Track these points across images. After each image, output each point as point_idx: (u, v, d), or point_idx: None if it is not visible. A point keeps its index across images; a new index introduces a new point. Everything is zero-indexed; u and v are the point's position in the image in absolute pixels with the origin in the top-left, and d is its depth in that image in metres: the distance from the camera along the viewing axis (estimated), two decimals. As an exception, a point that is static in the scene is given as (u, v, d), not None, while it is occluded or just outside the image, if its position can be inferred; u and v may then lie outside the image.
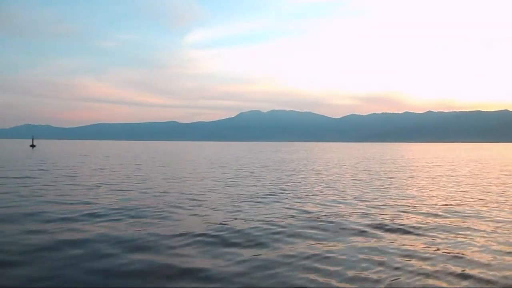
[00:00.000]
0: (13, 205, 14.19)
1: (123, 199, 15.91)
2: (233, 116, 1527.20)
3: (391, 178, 25.96)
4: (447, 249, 8.82)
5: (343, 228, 10.90)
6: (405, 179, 25.15)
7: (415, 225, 11.36)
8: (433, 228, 11.00)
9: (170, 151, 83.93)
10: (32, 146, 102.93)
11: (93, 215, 12.43)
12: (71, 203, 14.51)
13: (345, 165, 40.21)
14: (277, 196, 16.95)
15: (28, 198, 15.79)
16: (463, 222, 11.83)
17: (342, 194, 17.69)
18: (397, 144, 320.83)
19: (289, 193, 17.87)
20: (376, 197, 16.91)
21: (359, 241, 9.63)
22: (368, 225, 11.24)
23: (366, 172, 30.90)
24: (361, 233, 10.43)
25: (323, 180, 24.27)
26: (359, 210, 13.65)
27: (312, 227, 11.02)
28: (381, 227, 11.11)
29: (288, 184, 21.99)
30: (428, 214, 13.02)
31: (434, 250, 8.76)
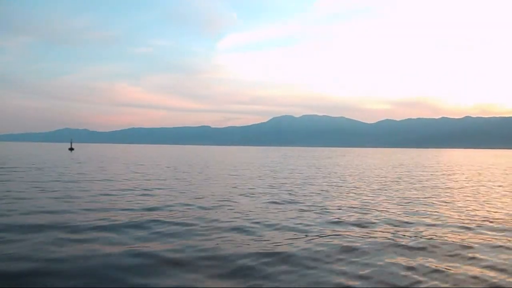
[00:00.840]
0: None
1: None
2: (265, 121, 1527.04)
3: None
4: None
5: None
6: None
7: None
8: None
9: (218, 156, 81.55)
10: (71, 149, 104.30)
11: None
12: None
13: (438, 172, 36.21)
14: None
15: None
16: None
17: None
18: (436, 150, 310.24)
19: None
20: None
21: None
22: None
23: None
24: None
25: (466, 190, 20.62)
26: None
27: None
28: None
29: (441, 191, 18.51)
30: None
31: None
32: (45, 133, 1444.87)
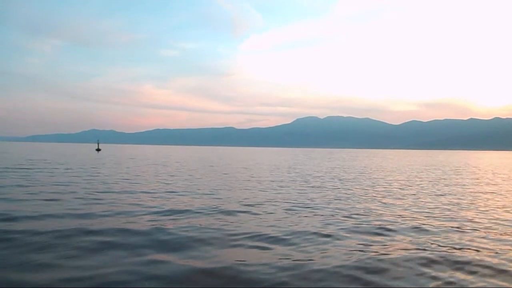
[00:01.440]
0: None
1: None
2: (289, 122, 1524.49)
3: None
4: None
5: None
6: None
7: None
8: None
9: (248, 156, 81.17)
10: (98, 149, 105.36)
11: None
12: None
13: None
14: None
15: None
16: None
17: None
18: (464, 152, 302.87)
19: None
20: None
21: None
22: None
23: None
24: None
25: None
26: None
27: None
28: None
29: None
30: None
31: None
32: (73, 134, 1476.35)
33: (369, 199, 17.70)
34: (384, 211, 14.35)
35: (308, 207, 14.98)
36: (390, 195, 19.57)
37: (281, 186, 22.74)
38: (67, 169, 33.67)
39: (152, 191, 19.32)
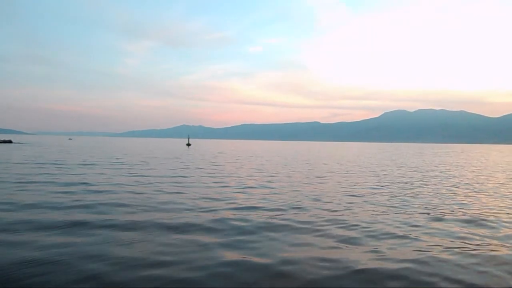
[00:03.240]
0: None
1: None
2: (376, 116, 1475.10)
3: None
4: None
5: None
6: None
7: None
8: None
9: (354, 152, 76.88)
10: (188, 144, 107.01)
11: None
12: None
13: None
14: None
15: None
16: None
17: None
18: None
19: None
20: None
21: None
22: None
23: None
24: None
25: None
26: None
27: None
28: None
29: None
30: None
31: None
32: (165, 129, 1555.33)
33: None
34: None
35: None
36: None
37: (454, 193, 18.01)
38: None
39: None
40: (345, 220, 10.79)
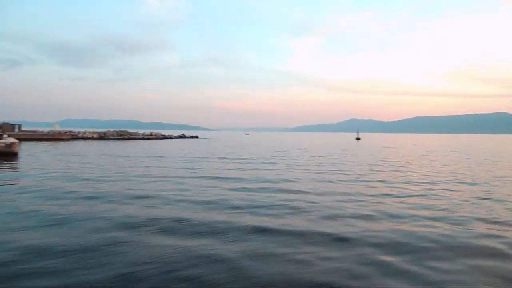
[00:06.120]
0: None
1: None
2: None
3: None
4: None
5: None
6: None
7: None
8: None
9: None
10: (357, 139, 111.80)
11: None
12: None
13: None
14: None
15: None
16: None
17: None
18: None
19: None
20: None
21: None
22: None
23: None
24: None
25: None
26: None
27: None
28: None
29: None
30: None
31: None
32: (334, 124, 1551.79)
33: None
34: None
35: None
36: None
37: None
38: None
39: None
40: None
